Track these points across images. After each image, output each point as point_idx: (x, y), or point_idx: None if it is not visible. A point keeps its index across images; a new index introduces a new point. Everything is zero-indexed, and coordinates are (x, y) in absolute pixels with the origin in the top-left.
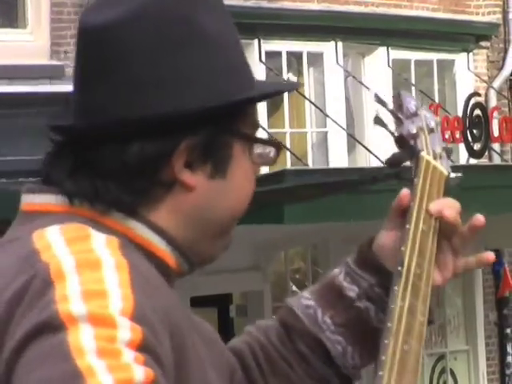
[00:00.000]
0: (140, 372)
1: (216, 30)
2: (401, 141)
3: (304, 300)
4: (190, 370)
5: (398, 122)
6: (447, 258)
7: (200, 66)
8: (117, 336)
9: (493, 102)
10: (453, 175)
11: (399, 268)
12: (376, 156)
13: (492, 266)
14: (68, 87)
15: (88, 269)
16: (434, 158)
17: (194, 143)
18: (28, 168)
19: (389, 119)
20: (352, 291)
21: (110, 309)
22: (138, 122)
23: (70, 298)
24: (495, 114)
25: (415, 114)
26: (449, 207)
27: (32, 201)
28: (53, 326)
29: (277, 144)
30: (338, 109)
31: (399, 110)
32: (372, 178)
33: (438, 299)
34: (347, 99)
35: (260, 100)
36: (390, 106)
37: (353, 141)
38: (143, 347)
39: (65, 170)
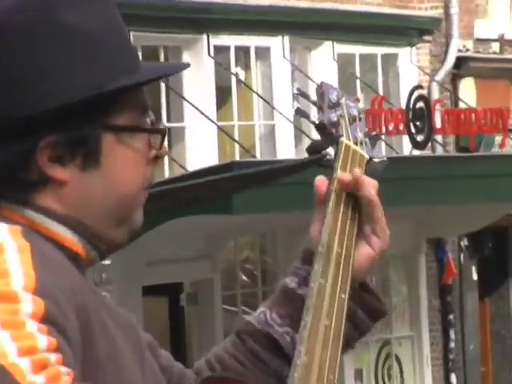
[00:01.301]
0: (43, 340)
1: (80, 24)
2: (322, 128)
3: (257, 311)
4: (97, 347)
5: (321, 111)
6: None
7: (57, 63)
8: (19, 309)
9: (435, 95)
10: (376, 160)
11: (320, 248)
12: None
13: (435, 255)
14: None
15: None
16: (355, 143)
17: (54, 140)
18: None
19: (314, 110)
20: (293, 283)
21: (12, 286)
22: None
23: None
24: (438, 106)
25: (337, 104)
26: (373, 188)
27: None
28: None
29: (155, 130)
30: (285, 102)
31: (322, 101)
32: (293, 167)
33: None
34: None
35: (116, 94)
36: (313, 97)
37: (300, 133)
38: (46, 319)
39: None
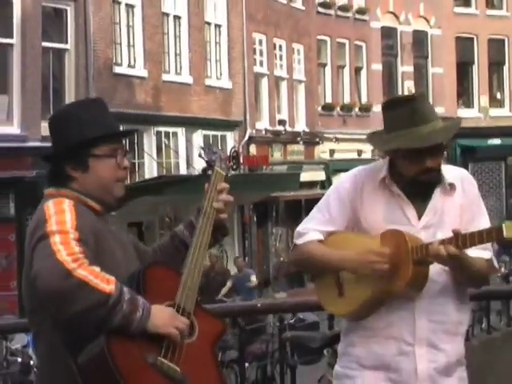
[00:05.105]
0: (78, 249)
1: (89, 115)
2: (208, 162)
3: (182, 228)
4: (104, 255)
5: (208, 154)
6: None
7: (78, 130)
8: (68, 236)
9: (241, 150)
10: (228, 175)
11: (202, 210)
12: (193, 167)
13: (240, 211)
14: None
15: (59, 213)
16: (221, 168)
17: (73, 160)
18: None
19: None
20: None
21: (66, 227)
22: (59, 152)
23: (52, 224)
24: (242, 155)
25: (214, 152)
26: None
27: (46, 190)
28: (45, 236)
29: (115, 154)
30: (182, 152)
31: (208, 150)
32: (191, 177)
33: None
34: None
35: (105, 138)
36: (206, 150)
37: (188, 164)
38: (80, 240)
39: (50, 176)
